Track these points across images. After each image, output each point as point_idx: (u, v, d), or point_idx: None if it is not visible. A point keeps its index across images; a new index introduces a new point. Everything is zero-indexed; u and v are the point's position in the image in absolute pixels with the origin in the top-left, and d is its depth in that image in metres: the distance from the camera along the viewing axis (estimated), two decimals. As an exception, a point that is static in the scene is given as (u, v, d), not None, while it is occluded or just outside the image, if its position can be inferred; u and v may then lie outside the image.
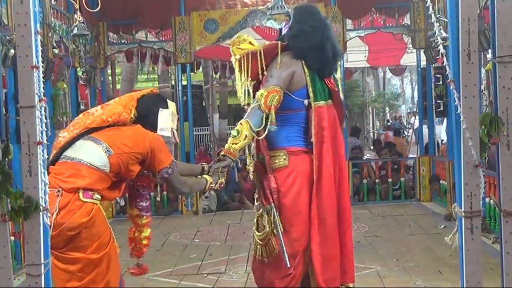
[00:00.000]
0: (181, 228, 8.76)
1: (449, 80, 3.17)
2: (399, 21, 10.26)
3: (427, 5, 3.49)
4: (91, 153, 3.43)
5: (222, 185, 3.97)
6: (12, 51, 5.88)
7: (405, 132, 23.32)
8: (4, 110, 6.33)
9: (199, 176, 3.94)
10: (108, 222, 3.56)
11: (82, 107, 9.63)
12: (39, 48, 3.02)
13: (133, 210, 3.77)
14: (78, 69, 9.21)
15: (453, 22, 3.14)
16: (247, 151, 4.05)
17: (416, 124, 21.78)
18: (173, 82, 13.53)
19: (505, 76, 3.06)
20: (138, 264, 3.85)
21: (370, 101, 27.45)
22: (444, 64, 3.95)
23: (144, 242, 3.77)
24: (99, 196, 3.42)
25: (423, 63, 10.52)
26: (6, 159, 3.32)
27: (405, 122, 26.21)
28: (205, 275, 6.03)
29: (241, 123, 3.81)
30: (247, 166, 4.12)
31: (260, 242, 3.97)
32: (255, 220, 4.06)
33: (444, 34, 3.76)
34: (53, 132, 3.38)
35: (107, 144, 3.45)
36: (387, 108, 28.63)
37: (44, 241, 3.03)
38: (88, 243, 3.37)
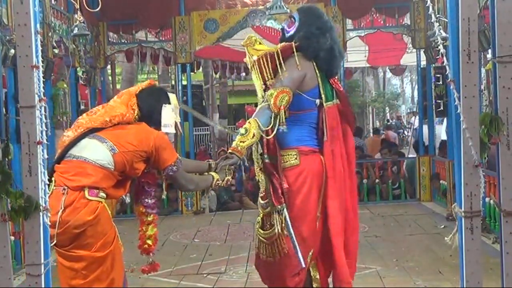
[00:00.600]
0: (181, 228, 8.76)
1: (449, 80, 3.17)
2: (399, 21, 10.26)
3: (427, 5, 3.49)
4: (96, 152, 3.44)
5: (229, 183, 3.99)
6: (12, 51, 5.88)
7: (405, 132, 23.32)
8: (4, 110, 6.32)
9: (206, 173, 3.94)
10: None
11: (82, 107, 9.64)
12: (39, 48, 3.02)
13: (139, 207, 3.77)
14: (78, 69, 9.20)
15: (453, 22, 3.15)
16: (254, 151, 4.05)
17: (416, 124, 21.81)
18: (173, 82, 13.54)
19: (505, 76, 3.06)
20: (149, 262, 3.85)
21: (370, 101, 27.44)
22: (444, 64, 3.96)
23: (149, 241, 3.76)
24: (104, 195, 3.44)
25: (423, 63, 10.52)
26: (6, 159, 3.33)
27: (405, 122, 26.21)
28: (205, 275, 6.03)
29: (249, 122, 3.82)
30: (254, 166, 4.11)
31: (265, 240, 3.98)
32: (259, 218, 4.06)
33: (444, 34, 3.76)
34: (53, 132, 3.39)
35: (111, 143, 3.46)
36: (387, 108, 28.62)
37: (44, 241, 3.03)
38: (93, 241, 3.38)
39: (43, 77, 3.05)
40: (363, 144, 12.89)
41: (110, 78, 13.19)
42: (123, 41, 10.74)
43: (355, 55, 13.35)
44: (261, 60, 3.96)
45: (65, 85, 9.10)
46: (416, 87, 18.00)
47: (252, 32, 10.90)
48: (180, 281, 5.87)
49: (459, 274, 3.28)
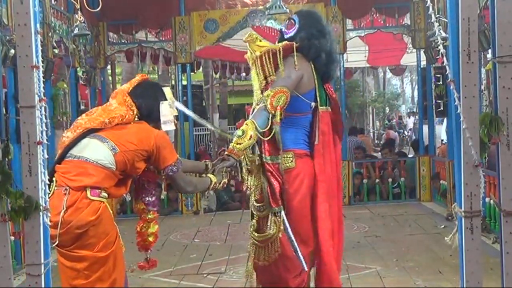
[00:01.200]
0: (181, 228, 8.76)
1: (449, 80, 3.17)
2: (399, 21, 10.26)
3: (427, 5, 3.49)
4: (97, 152, 3.44)
5: (225, 185, 3.98)
6: (12, 51, 5.88)
7: (405, 132, 23.36)
8: (4, 110, 6.32)
9: (204, 175, 3.94)
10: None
11: (82, 107, 9.64)
12: (39, 48, 3.02)
13: (139, 204, 3.77)
14: (78, 69, 9.20)
15: (453, 22, 3.15)
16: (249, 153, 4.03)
17: (411, 125, 21.89)
18: (173, 82, 13.53)
19: (505, 76, 3.06)
20: (147, 259, 3.85)
21: (370, 101, 27.46)
22: (444, 64, 3.96)
23: (151, 239, 3.77)
24: (106, 194, 3.44)
25: (423, 63, 10.52)
26: (6, 159, 3.33)
27: (404, 122, 26.21)
28: (205, 275, 6.03)
29: (246, 123, 3.80)
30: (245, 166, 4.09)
31: (259, 243, 3.95)
32: (253, 222, 4.02)
33: (444, 34, 3.76)
34: (53, 132, 3.39)
35: (112, 142, 3.45)
36: (387, 108, 28.63)
37: (44, 241, 3.04)
38: (95, 241, 3.38)
39: (43, 77, 3.05)
40: (362, 143, 12.89)
41: (110, 78, 13.19)
42: (123, 41, 10.74)
43: (355, 55, 13.35)
44: (263, 56, 3.95)
45: (65, 85, 9.10)
46: (416, 87, 18.02)
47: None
48: (180, 281, 5.87)
49: (459, 274, 3.29)
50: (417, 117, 16.47)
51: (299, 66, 3.92)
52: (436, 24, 3.45)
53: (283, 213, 3.88)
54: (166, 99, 3.73)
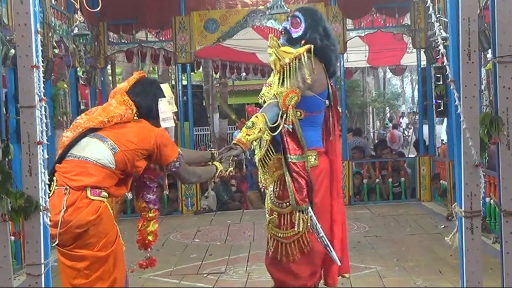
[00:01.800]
0: (181, 228, 8.76)
1: (449, 80, 3.17)
2: (399, 21, 10.25)
3: (427, 5, 3.49)
4: (97, 151, 3.44)
5: (232, 174, 4.00)
6: (12, 51, 5.87)
7: (405, 132, 23.38)
8: (4, 110, 6.32)
9: (210, 163, 3.94)
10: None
11: (82, 107, 9.61)
12: (39, 48, 3.03)
13: (140, 202, 3.77)
14: (78, 69, 9.20)
15: (453, 22, 3.15)
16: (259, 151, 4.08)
17: (404, 125, 21.97)
18: (173, 82, 13.52)
19: (505, 76, 3.06)
20: (146, 257, 3.86)
21: (370, 101, 27.42)
22: (444, 64, 3.96)
23: (150, 237, 3.77)
24: (106, 194, 3.44)
25: (423, 63, 10.51)
26: (6, 159, 3.33)
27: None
28: (205, 275, 6.03)
29: (256, 116, 3.86)
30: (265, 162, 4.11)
31: (284, 240, 3.99)
32: (273, 218, 4.05)
33: (444, 34, 3.76)
34: (53, 132, 3.39)
35: (112, 142, 3.45)
36: (387, 108, 28.63)
37: (44, 241, 3.04)
38: (95, 241, 3.38)
39: (43, 77, 3.06)
40: (365, 143, 12.91)
41: (110, 78, 13.18)
42: (123, 41, 10.73)
43: (355, 55, 13.33)
44: (292, 62, 3.95)
45: (65, 85, 9.08)
46: (416, 87, 18.02)
47: (252, 32, 10.96)
48: (180, 281, 5.87)
49: (459, 274, 3.29)
50: (417, 117, 16.49)
51: (316, 68, 3.99)
52: (436, 24, 3.45)
53: (310, 210, 3.95)
54: (164, 96, 3.71)
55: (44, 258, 3.02)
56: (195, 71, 14.25)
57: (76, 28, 7.45)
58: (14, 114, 6.17)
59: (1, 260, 3.00)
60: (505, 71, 3.06)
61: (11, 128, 6.28)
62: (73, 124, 3.65)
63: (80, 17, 7.25)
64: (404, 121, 22.44)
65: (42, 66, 3.05)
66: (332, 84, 4.25)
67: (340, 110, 4.51)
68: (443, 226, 7.80)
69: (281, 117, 3.90)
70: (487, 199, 6.65)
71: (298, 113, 3.95)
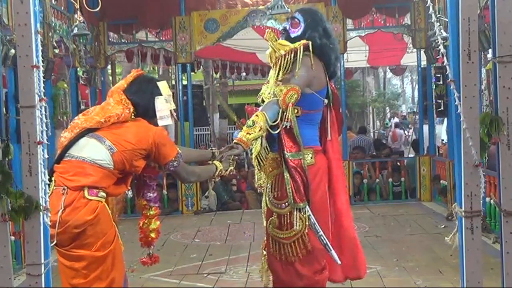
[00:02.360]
0: (182, 228, 8.76)
1: (449, 80, 3.17)
2: (400, 21, 10.25)
3: (427, 5, 3.49)
4: (95, 151, 3.44)
5: (232, 173, 3.99)
6: (12, 51, 5.88)
7: (405, 132, 23.34)
8: (4, 110, 6.32)
9: (210, 162, 3.93)
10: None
11: (82, 107, 9.61)
12: (39, 48, 3.02)
13: (140, 200, 3.77)
14: (78, 69, 9.20)
15: (454, 22, 3.15)
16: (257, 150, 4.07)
17: (393, 126, 21.94)
18: (173, 82, 13.53)
19: (505, 76, 3.06)
20: (149, 254, 3.85)
21: (371, 101, 27.43)
22: (444, 64, 3.96)
23: (153, 235, 3.77)
24: (104, 194, 3.44)
25: (424, 63, 10.52)
26: (6, 159, 3.33)
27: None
28: (205, 275, 6.03)
29: (257, 115, 3.84)
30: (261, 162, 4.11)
31: (284, 241, 3.99)
32: (273, 219, 4.04)
33: (444, 34, 3.77)
34: (53, 132, 3.38)
35: (110, 142, 3.45)
36: (387, 108, 28.62)
37: (44, 241, 3.04)
38: (93, 241, 3.38)
39: (43, 77, 3.06)
40: (370, 141, 12.89)
41: (110, 78, 13.18)
42: (123, 41, 10.73)
43: (355, 55, 13.34)
44: (288, 55, 3.95)
45: (65, 85, 9.09)
46: (417, 87, 18.01)
47: (252, 32, 10.95)
48: (180, 281, 5.87)
49: (459, 274, 3.29)
50: (417, 117, 16.45)
51: (315, 65, 3.99)
52: (436, 24, 3.46)
53: (308, 208, 3.94)
54: (161, 94, 3.68)
55: (44, 258, 3.02)
56: (195, 71, 14.23)
57: (76, 28, 7.45)
58: (14, 114, 6.17)
59: (1, 260, 3.00)
60: (505, 71, 3.06)
61: (11, 128, 6.28)
62: (71, 124, 3.65)
63: (80, 17, 7.25)
64: (394, 121, 22.47)
65: (42, 66, 3.05)
66: (332, 85, 4.25)
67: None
68: (443, 226, 7.80)
69: (281, 114, 3.89)
70: (487, 199, 6.65)
71: (296, 110, 3.93)
